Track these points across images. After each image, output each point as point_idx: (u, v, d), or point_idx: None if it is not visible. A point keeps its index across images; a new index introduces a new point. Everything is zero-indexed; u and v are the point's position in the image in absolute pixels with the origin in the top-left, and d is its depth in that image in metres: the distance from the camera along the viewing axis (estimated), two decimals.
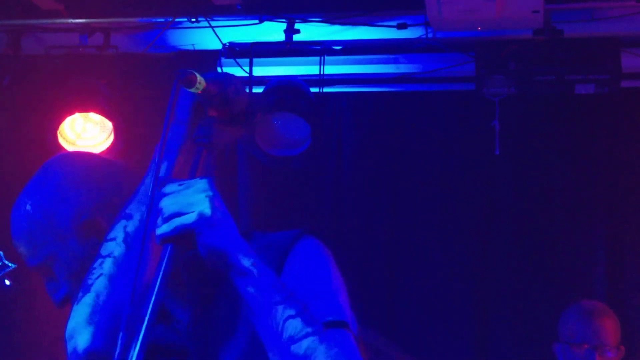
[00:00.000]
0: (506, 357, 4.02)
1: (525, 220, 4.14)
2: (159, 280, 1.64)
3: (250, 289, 1.73)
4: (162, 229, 1.69)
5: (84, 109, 4.42)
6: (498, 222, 4.00)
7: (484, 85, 4.07)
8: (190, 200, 1.70)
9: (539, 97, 4.07)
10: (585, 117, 4.12)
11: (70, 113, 4.50)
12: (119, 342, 1.61)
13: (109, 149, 4.46)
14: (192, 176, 1.73)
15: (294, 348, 1.71)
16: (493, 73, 4.09)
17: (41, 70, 4.65)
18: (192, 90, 1.69)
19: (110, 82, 4.39)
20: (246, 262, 1.73)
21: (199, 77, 1.68)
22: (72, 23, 4.50)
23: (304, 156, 3.92)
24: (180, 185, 1.71)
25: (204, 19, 4.20)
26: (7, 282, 4.12)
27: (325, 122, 4.09)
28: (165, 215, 1.69)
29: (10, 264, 3.83)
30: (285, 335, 1.72)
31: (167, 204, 1.70)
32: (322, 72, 3.92)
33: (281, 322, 1.72)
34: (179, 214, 1.69)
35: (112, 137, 4.45)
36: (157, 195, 1.72)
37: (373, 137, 4.06)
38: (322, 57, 4.02)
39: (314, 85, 3.97)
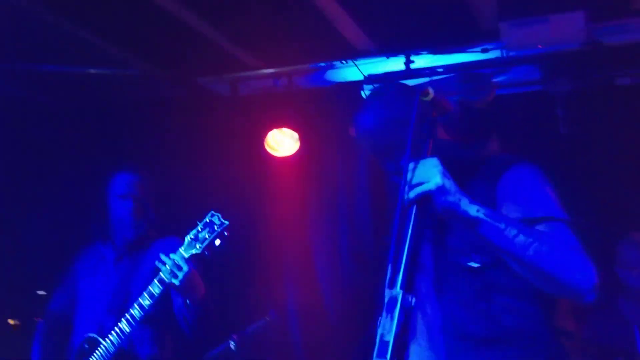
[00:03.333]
0: None
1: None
2: (410, 229, 1.88)
3: (482, 229, 2.01)
4: (411, 193, 1.95)
5: (280, 126, 5.35)
6: None
7: (549, 85, 4.85)
8: (428, 174, 1.97)
9: (592, 90, 4.73)
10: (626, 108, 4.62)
11: (271, 129, 5.37)
12: (388, 272, 1.85)
13: (297, 152, 5.31)
14: (424, 156, 2.00)
15: (527, 255, 1.99)
16: (555, 76, 4.80)
17: (250, 105, 5.46)
18: (426, 99, 1.99)
19: (295, 108, 5.30)
20: (472, 212, 2.01)
21: (430, 89, 1.99)
22: (267, 73, 5.33)
23: None
24: (418, 163, 1.99)
25: (350, 60, 5.03)
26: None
27: None
28: (411, 184, 1.96)
29: (225, 221, 3.62)
30: (518, 247, 1.99)
31: (411, 177, 1.97)
32: None
33: (512, 241, 1.98)
34: (420, 184, 1.97)
35: (298, 144, 5.32)
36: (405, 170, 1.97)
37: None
38: (430, 78, 4.46)
39: None
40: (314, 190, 5.37)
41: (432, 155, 1.99)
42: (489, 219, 1.98)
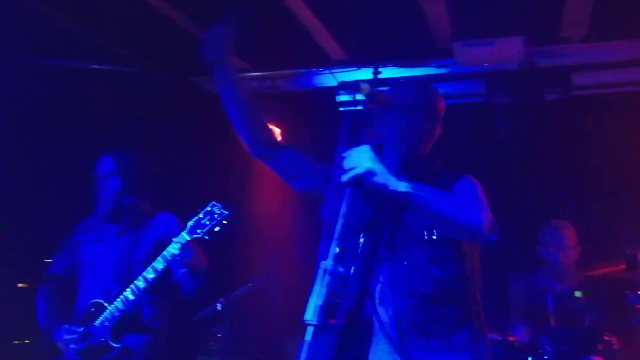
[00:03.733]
0: None
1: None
2: (348, 205, 2.02)
3: (411, 200, 2.17)
4: (344, 177, 2.10)
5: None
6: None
7: (491, 97, 5.45)
8: (359, 159, 2.11)
9: (527, 102, 5.30)
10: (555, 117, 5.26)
11: None
12: (330, 250, 1.97)
13: None
14: (359, 144, 2.13)
15: (445, 210, 2.20)
16: (497, 89, 5.38)
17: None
18: (362, 92, 2.12)
19: (278, 107, 5.62)
20: (402, 187, 2.14)
21: (364, 85, 2.14)
22: (254, 75, 5.61)
23: None
24: (351, 150, 2.13)
25: (326, 68, 5.50)
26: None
27: None
28: (345, 168, 2.11)
29: (225, 212, 3.80)
30: (438, 206, 2.19)
31: (346, 162, 2.11)
32: None
33: (434, 202, 2.17)
34: (353, 168, 2.11)
35: (280, 138, 5.45)
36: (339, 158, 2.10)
37: None
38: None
39: None
40: None
41: (365, 144, 2.12)
42: (414, 191, 2.18)
